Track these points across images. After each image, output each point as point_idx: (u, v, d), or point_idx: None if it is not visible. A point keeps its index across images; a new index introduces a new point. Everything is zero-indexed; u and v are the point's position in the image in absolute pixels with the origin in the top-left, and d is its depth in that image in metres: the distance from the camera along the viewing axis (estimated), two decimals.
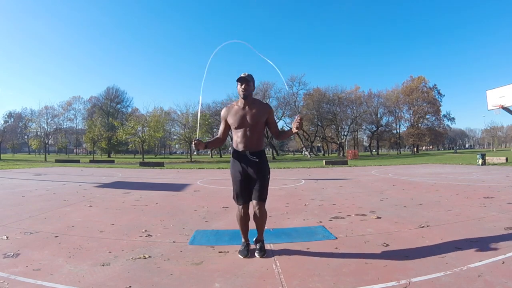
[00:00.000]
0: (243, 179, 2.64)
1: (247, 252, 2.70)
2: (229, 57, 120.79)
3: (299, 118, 2.39)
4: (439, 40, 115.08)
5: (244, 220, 2.73)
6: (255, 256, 2.65)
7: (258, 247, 2.73)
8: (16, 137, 59.38)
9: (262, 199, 2.66)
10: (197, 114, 46.40)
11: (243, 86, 2.59)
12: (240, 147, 2.64)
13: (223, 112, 2.74)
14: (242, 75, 2.60)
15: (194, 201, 5.85)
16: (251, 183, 2.64)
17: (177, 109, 49.08)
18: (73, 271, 2.29)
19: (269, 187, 2.74)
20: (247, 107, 2.64)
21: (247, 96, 2.62)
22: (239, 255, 2.68)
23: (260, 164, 2.63)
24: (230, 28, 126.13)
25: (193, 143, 2.54)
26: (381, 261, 2.46)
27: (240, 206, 2.69)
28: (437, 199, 5.48)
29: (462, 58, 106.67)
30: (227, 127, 2.74)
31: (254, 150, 2.64)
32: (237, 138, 2.66)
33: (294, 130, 2.44)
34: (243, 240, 2.81)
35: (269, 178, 2.72)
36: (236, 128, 2.64)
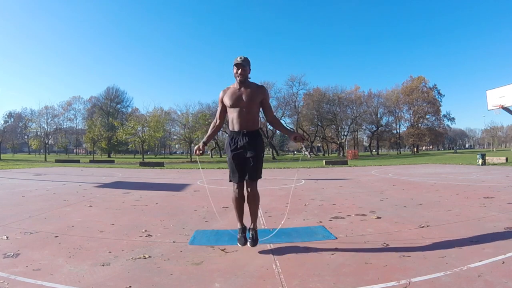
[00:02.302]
0: (238, 157, 2.67)
1: (245, 240, 2.77)
2: (229, 57, 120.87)
3: (303, 138, 2.72)
4: (439, 40, 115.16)
5: (239, 201, 2.76)
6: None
7: (250, 235, 2.75)
8: (16, 137, 59.38)
9: (254, 177, 2.69)
10: (197, 114, 46.20)
11: (239, 71, 2.64)
12: (236, 127, 2.69)
13: (220, 95, 2.80)
14: (238, 60, 2.64)
15: (194, 201, 5.84)
16: (246, 162, 2.67)
17: (177, 109, 49.21)
18: (73, 271, 2.29)
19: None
20: (242, 88, 2.70)
21: (243, 81, 2.68)
22: (238, 244, 2.77)
23: (254, 143, 2.68)
24: (231, 28, 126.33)
25: (195, 151, 2.79)
26: (381, 261, 2.46)
27: (235, 186, 2.72)
28: (437, 199, 5.48)
29: (462, 58, 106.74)
30: (224, 109, 2.81)
31: (250, 129, 2.69)
32: (233, 118, 2.71)
33: (292, 137, 2.70)
34: (239, 225, 2.85)
35: (263, 156, 2.78)
36: (231, 107, 2.69)
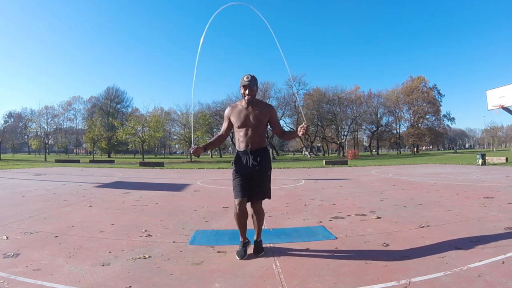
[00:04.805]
0: (243, 175, 2.64)
1: (244, 253, 2.66)
2: (229, 57, 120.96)
3: (305, 125, 2.47)
4: (439, 40, 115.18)
5: (241, 217, 2.66)
6: (253, 256, 2.65)
7: (255, 246, 2.72)
8: (16, 137, 59.36)
9: (261, 198, 2.67)
10: (197, 114, 46.27)
11: (247, 91, 2.61)
12: (242, 146, 2.67)
13: (226, 111, 2.79)
14: (245, 80, 2.59)
15: (194, 201, 5.85)
16: (252, 181, 2.63)
17: (177, 109, 49.40)
18: (73, 271, 2.29)
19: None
20: (250, 107, 2.68)
21: (251, 100, 2.65)
22: (236, 256, 2.66)
23: (261, 161, 2.65)
24: (231, 28, 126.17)
25: (191, 151, 2.63)
26: (381, 261, 2.46)
27: (237, 201, 2.60)
28: (437, 199, 5.48)
29: (462, 58, 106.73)
30: (230, 126, 2.79)
31: (256, 147, 2.67)
32: (239, 137, 2.70)
33: (300, 134, 2.52)
34: (241, 239, 2.76)
35: (270, 175, 2.73)
36: (238, 127, 2.68)
